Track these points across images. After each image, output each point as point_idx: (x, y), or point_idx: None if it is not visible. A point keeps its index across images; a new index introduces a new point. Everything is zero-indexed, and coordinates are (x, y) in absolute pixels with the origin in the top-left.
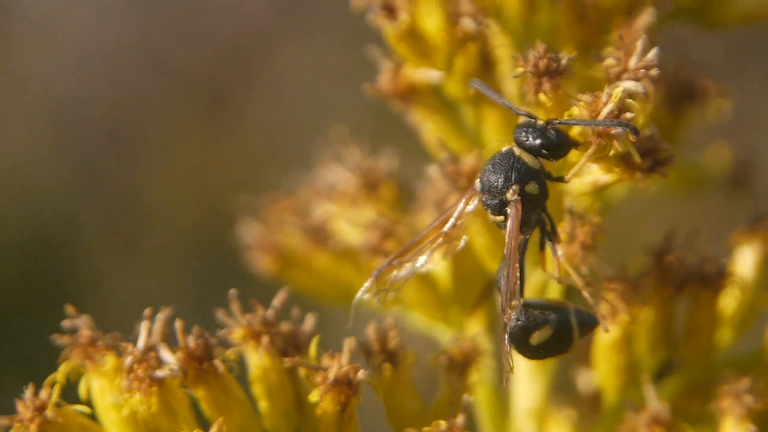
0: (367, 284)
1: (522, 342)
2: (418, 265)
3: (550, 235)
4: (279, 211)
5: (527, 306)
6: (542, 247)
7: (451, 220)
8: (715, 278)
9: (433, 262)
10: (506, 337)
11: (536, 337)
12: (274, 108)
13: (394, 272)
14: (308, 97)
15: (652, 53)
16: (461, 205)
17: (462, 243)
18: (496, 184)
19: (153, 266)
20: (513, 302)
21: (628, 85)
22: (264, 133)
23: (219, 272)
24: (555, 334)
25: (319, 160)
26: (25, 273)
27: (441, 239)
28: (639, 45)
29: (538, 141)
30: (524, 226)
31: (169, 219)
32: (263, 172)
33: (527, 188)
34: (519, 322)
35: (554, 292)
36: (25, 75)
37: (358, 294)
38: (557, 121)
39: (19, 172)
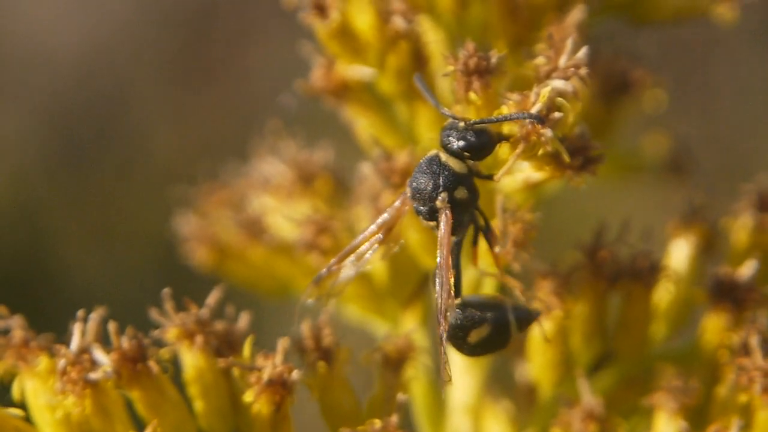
0: (308, 290)
1: (460, 341)
2: (357, 269)
3: (484, 231)
4: (215, 203)
5: (465, 304)
6: (474, 243)
7: (387, 224)
8: (647, 273)
9: (371, 265)
10: (442, 347)
11: (474, 335)
12: (210, 99)
13: (334, 277)
14: (244, 89)
15: (582, 52)
16: (396, 207)
17: (398, 246)
18: (424, 192)
19: (122, 256)
20: (448, 314)
21: (558, 84)
22: (201, 125)
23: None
24: (493, 331)
25: (253, 152)
26: None
27: (378, 243)
28: (569, 43)
29: (459, 143)
30: (457, 228)
31: (139, 208)
32: (199, 164)
33: (456, 194)
34: (457, 322)
35: (488, 288)
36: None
37: (300, 301)
38: (473, 122)
39: None
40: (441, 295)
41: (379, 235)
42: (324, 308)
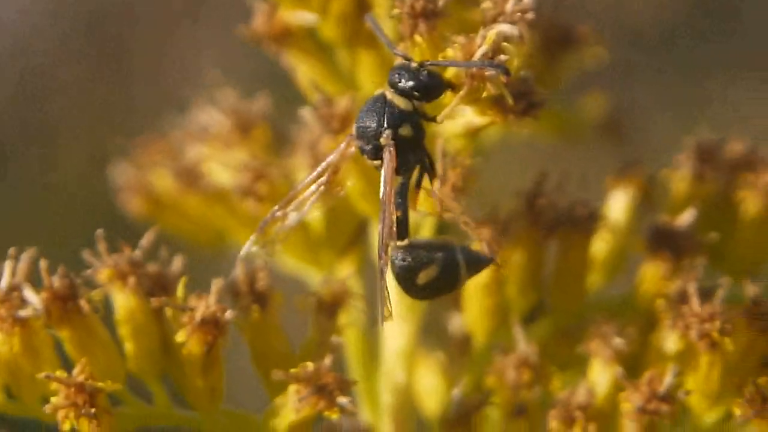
0: (253, 237)
1: (409, 282)
2: (301, 214)
3: (429, 173)
4: (151, 153)
5: (413, 246)
6: (417, 186)
7: (332, 168)
8: (585, 221)
9: (316, 210)
10: (383, 282)
11: (423, 277)
12: (151, 52)
13: (279, 223)
14: (185, 41)
15: None
16: (341, 149)
17: (344, 190)
18: (368, 129)
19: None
20: (391, 245)
21: (504, 27)
22: (142, 76)
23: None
24: (441, 272)
25: (193, 103)
26: None
27: (323, 187)
28: None
29: (410, 83)
30: (402, 168)
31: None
32: (138, 116)
33: (400, 131)
34: (405, 263)
35: (427, 232)
36: None
37: (245, 247)
38: (429, 63)
39: None
40: (382, 229)
41: (324, 179)
42: (263, 255)
